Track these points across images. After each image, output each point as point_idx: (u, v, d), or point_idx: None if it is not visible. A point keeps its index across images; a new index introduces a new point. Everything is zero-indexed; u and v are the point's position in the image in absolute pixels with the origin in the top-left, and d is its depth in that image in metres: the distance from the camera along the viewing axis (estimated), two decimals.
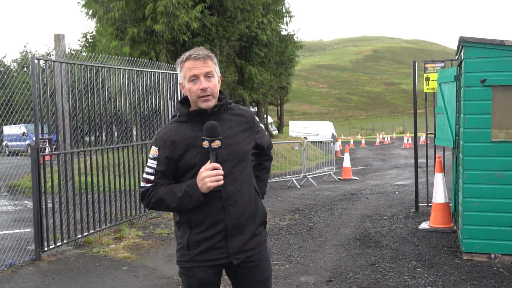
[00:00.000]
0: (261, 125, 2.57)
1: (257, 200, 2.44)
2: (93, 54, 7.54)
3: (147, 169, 2.34)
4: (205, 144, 2.22)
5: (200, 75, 2.28)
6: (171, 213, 8.12)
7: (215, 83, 2.33)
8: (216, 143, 2.22)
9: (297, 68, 46.36)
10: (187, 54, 2.34)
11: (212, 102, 2.31)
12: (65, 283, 4.99)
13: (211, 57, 2.35)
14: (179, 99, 8.54)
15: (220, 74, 2.44)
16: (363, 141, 35.45)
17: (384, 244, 6.11)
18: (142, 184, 2.35)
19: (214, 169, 2.22)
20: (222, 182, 2.23)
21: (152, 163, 2.33)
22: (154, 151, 2.34)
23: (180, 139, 2.30)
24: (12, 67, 32.23)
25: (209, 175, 2.20)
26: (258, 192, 2.48)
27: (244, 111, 2.46)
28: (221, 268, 2.39)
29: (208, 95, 2.29)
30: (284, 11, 26.85)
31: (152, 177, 2.32)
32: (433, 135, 7.69)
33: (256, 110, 30.41)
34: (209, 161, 2.23)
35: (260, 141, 2.53)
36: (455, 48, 6.21)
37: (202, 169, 2.23)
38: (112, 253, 6.01)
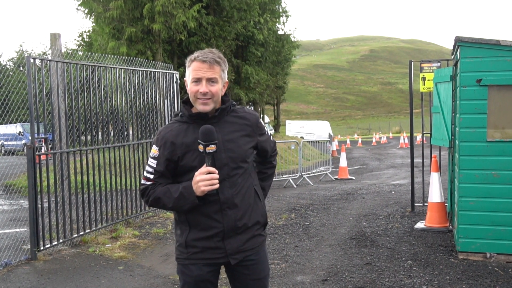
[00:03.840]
0: (266, 129, 2.52)
1: (257, 202, 2.41)
2: (89, 53, 7.52)
3: (147, 168, 2.36)
4: (200, 148, 2.20)
5: (203, 79, 2.26)
6: (168, 213, 8.17)
7: (217, 89, 2.29)
8: (211, 148, 2.19)
9: (294, 67, 46.42)
10: (196, 54, 2.31)
11: (209, 106, 2.28)
12: (61, 282, 4.98)
13: (220, 62, 2.30)
14: (175, 98, 8.65)
15: (227, 80, 2.39)
16: (360, 141, 35.52)
17: (380, 243, 6.12)
18: (142, 181, 2.38)
19: (209, 173, 2.20)
20: (216, 186, 2.20)
21: (152, 162, 2.34)
22: (155, 150, 2.35)
23: (180, 141, 2.30)
24: (8, 66, 32.10)
25: (203, 179, 2.19)
26: (259, 194, 2.45)
27: (248, 114, 2.42)
28: (218, 266, 2.39)
29: (207, 99, 2.27)
30: (280, 10, 26.89)
31: (151, 176, 2.34)
32: (429, 135, 7.71)
33: (252, 109, 30.39)
34: (205, 164, 2.21)
35: (263, 145, 2.48)
36: (451, 48, 6.23)
37: (197, 173, 2.22)
38: (108, 252, 6.00)
